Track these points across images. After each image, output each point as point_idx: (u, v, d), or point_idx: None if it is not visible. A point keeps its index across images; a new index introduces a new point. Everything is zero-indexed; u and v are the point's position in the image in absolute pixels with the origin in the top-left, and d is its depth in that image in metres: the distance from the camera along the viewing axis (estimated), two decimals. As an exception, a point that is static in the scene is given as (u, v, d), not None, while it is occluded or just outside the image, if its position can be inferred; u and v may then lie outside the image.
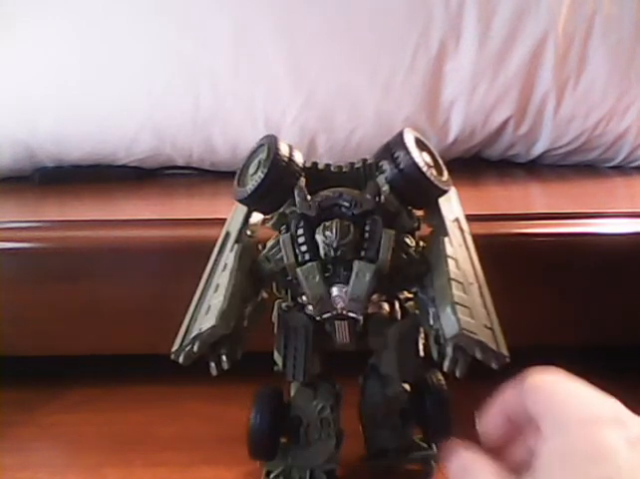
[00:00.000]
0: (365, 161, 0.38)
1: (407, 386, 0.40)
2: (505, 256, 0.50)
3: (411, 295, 0.39)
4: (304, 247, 0.35)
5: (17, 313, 0.53)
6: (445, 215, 0.39)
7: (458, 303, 0.33)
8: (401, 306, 0.39)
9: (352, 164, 0.38)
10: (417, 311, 0.38)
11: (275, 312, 0.39)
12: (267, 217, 0.39)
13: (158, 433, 0.49)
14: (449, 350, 0.33)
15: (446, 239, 0.37)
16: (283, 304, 0.39)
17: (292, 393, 0.39)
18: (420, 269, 0.37)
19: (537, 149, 0.81)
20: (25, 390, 0.53)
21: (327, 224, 0.35)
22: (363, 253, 0.35)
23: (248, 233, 0.39)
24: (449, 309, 0.33)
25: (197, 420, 0.50)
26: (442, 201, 0.39)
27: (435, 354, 0.35)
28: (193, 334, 0.34)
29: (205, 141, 0.76)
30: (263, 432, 0.38)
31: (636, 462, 0.28)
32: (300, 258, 0.35)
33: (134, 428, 0.50)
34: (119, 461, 0.46)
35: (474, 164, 0.83)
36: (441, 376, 0.40)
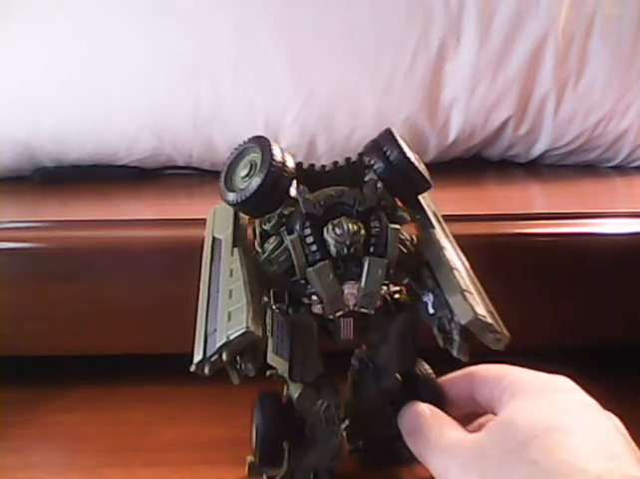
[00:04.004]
0: (349, 159, 0.38)
1: (398, 376, 0.40)
2: (505, 256, 0.50)
3: (397, 288, 0.39)
4: (314, 247, 0.35)
5: (17, 313, 0.52)
6: (426, 208, 0.40)
7: (465, 291, 0.35)
8: (392, 299, 0.39)
9: (335, 162, 0.38)
10: (410, 303, 0.38)
11: (270, 315, 0.39)
12: (262, 219, 0.38)
13: (158, 433, 0.49)
14: (456, 337, 0.34)
15: (436, 232, 0.38)
16: (274, 306, 0.39)
17: (295, 395, 0.39)
18: (414, 262, 0.38)
19: (537, 149, 0.81)
20: (25, 390, 0.53)
21: (335, 222, 0.35)
22: (372, 249, 0.35)
23: None
24: (459, 298, 0.34)
25: (197, 420, 0.50)
26: (420, 196, 0.40)
27: (441, 342, 0.36)
28: (220, 343, 0.32)
29: (205, 141, 0.76)
30: (272, 438, 0.38)
31: (588, 418, 0.32)
32: (310, 258, 0.35)
33: (134, 428, 0.50)
34: (119, 461, 0.46)
35: (474, 164, 0.83)
36: (427, 365, 0.41)
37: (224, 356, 0.32)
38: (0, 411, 0.51)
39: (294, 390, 0.39)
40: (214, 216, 0.40)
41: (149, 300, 0.53)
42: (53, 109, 0.75)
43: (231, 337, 0.32)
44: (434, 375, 0.41)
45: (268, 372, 0.39)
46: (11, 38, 0.75)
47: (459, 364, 0.40)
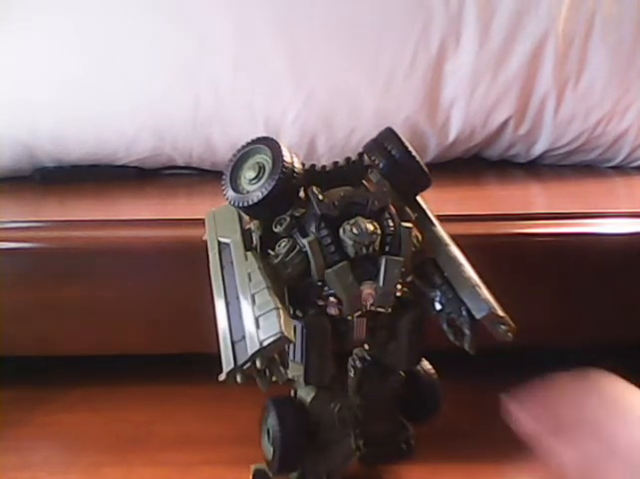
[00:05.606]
0: (349, 159, 0.39)
1: (402, 373, 0.41)
2: (505, 256, 0.50)
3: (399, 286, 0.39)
4: (332, 248, 0.35)
5: (17, 313, 0.53)
6: (424, 207, 0.40)
7: (477, 286, 0.36)
8: (396, 297, 0.39)
9: (335, 162, 0.38)
10: (414, 300, 0.38)
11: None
12: (264, 221, 0.38)
13: (158, 433, 0.49)
14: (467, 331, 0.36)
15: (437, 229, 0.39)
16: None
17: (308, 399, 0.39)
18: (418, 259, 0.38)
19: (537, 149, 0.81)
20: (25, 390, 0.54)
21: (352, 222, 0.35)
22: (387, 248, 0.36)
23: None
24: (473, 292, 0.36)
25: (197, 419, 0.50)
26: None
27: (451, 337, 0.37)
28: (254, 350, 0.32)
29: (205, 141, 0.76)
30: (292, 445, 0.38)
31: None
32: (328, 260, 0.35)
33: (134, 428, 0.50)
34: (119, 461, 0.46)
35: (474, 164, 0.83)
36: (427, 362, 0.41)
37: (258, 363, 0.31)
38: (0, 411, 0.51)
39: (306, 394, 0.39)
40: (214, 219, 0.40)
41: (149, 300, 0.53)
42: (53, 109, 0.75)
43: (265, 344, 0.31)
44: (434, 372, 0.41)
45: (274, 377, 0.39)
46: (11, 38, 0.74)
47: (456, 362, 0.40)
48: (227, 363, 0.32)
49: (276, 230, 0.37)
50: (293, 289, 0.36)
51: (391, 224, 0.36)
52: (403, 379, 0.41)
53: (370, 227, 0.35)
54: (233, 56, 0.74)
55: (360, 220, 0.35)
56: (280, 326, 0.31)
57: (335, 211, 0.36)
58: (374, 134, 0.39)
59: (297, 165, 0.36)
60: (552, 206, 0.68)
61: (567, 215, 0.54)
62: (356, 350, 0.41)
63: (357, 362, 0.41)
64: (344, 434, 0.39)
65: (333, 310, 0.36)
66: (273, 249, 0.36)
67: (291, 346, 0.37)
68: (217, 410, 0.51)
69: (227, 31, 0.74)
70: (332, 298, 0.36)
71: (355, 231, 0.35)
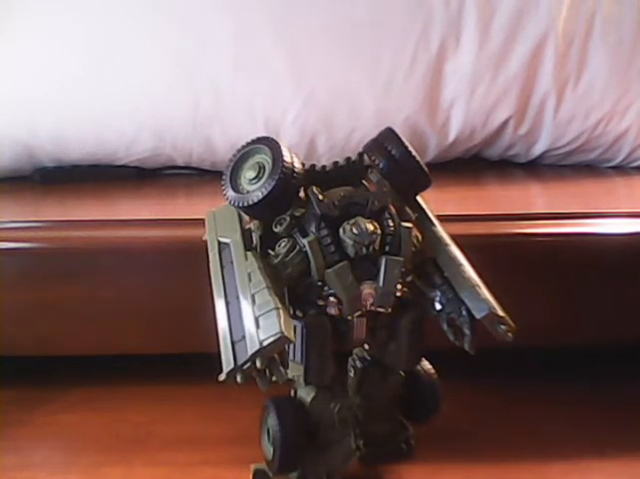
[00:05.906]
0: (349, 159, 0.39)
1: (402, 373, 0.41)
2: (505, 256, 0.50)
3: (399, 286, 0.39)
4: (332, 248, 0.35)
5: (17, 313, 0.53)
6: (424, 207, 0.40)
7: (477, 286, 0.36)
8: (396, 297, 0.39)
9: (335, 162, 0.39)
10: (414, 299, 0.38)
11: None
12: (263, 221, 0.38)
13: (158, 433, 0.49)
14: (467, 331, 0.36)
15: (437, 229, 0.39)
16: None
17: (308, 399, 0.39)
18: (418, 259, 0.38)
19: (537, 149, 0.81)
20: (25, 390, 0.54)
21: (352, 222, 0.35)
22: (387, 248, 0.36)
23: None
24: (473, 293, 0.36)
25: (197, 419, 0.50)
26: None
27: (451, 337, 0.37)
28: (254, 350, 0.32)
29: (205, 141, 0.76)
30: (292, 445, 0.38)
31: None
32: (328, 260, 0.35)
33: (134, 428, 0.50)
34: (119, 461, 0.46)
35: (474, 164, 0.83)
36: (427, 362, 0.41)
37: (258, 363, 0.32)
38: (0, 411, 0.51)
39: (305, 393, 0.39)
40: (214, 219, 0.40)
41: (149, 300, 0.53)
42: (53, 109, 0.75)
43: (265, 344, 0.31)
44: (434, 372, 0.41)
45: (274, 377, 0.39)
46: (11, 38, 0.74)
47: (456, 362, 0.40)
48: (227, 363, 0.32)
49: (276, 230, 0.37)
50: (293, 289, 0.36)
51: (391, 224, 0.36)
52: (403, 379, 0.41)
53: (370, 226, 0.35)
54: (233, 56, 0.74)
55: (360, 220, 0.35)
56: (280, 326, 0.31)
57: (335, 211, 0.36)
58: (374, 134, 0.39)
59: (297, 165, 0.36)
60: (552, 206, 0.68)
61: (567, 215, 0.54)
62: (356, 350, 0.41)
63: (357, 362, 0.41)
64: (344, 434, 0.39)
65: (333, 310, 0.36)
66: (273, 249, 0.37)
67: (291, 346, 0.37)
68: (217, 410, 0.51)
69: (227, 31, 0.74)
70: (332, 298, 0.36)
71: (355, 230, 0.35)
